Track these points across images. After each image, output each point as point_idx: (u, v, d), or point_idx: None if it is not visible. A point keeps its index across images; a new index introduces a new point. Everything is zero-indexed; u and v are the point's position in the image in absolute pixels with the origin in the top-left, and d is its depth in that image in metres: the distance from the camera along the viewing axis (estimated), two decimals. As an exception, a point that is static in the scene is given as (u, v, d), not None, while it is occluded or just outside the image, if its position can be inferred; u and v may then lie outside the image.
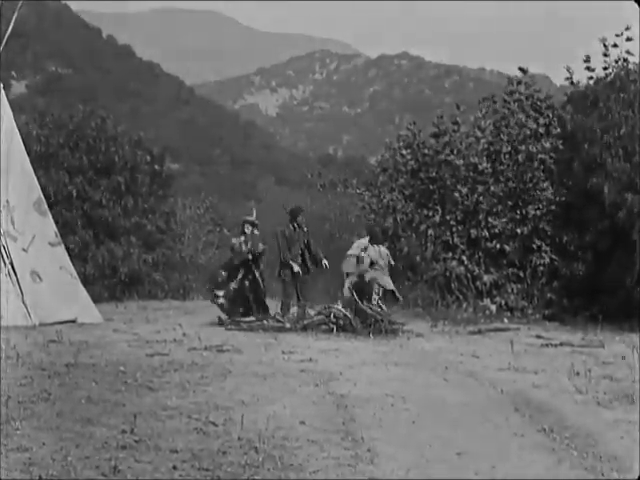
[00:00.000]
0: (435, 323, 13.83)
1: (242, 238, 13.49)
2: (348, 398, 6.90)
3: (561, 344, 11.08)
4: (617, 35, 15.89)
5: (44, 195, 12.99)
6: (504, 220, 16.14)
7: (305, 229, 13.39)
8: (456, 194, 16.39)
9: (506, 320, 14.59)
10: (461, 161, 16.49)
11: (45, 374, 7.50)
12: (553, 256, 15.83)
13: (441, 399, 7.04)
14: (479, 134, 16.82)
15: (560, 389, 7.62)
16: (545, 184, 16.19)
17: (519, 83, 17.08)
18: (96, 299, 13.92)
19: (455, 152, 16.64)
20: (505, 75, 17.86)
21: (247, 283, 13.42)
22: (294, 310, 13.19)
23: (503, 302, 15.60)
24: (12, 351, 8.62)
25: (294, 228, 13.28)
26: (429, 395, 7.21)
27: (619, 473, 5.02)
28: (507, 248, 16.03)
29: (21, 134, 12.92)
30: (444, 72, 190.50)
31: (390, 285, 13.59)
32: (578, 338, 11.87)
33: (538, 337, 12.04)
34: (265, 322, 12.43)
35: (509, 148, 16.51)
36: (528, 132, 16.46)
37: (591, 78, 16.38)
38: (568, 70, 16.72)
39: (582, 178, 15.36)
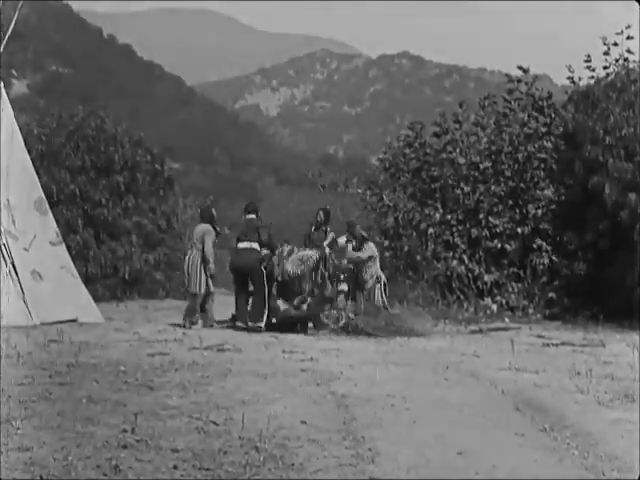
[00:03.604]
0: (436, 322, 13.83)
1: None
2: (349, 398, 6.89)
3: (562, 343, 11.08)
4: (617, 33, 15.92)
5: (45, 194, 12.98)
6: (505, 220, 16.14)
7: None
8: (458, 192, 16.40)
9: (507, 319, 14.59)
10: (463, 160, 16.50)
11: (46, 373, 7.49)
12: (554, 256, 15.83)
13: (442, 399, 7.03)
14: (481, 133, 16.83)
15: (561, 389, 7.61)
16: (546, 183, 16.20)
17: (519, 82, 17.09)
18: (97, 298, 13.92)
19: (457, 150, 16.65)
20: (506, 75, 17.79)
21: None
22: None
23: (504, 301, 15.61)
24: (13, 350, 8.61)
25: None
26: (430, 395, 7.20)
27: (620, 473, 5.01)
28: (508, 247, 16.03)
29: (22, 133, 12.91)
30: (444, 72, 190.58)
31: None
32: (579, 337, 11.87)
33: (539, 336, 12.04)
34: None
35: (510, 148, 16.51)
36: (529, 131, 16.46)
37: (592, 77, 16.40)
38: (569, 69, 16.74)
39: (583, 178, 15.35)
